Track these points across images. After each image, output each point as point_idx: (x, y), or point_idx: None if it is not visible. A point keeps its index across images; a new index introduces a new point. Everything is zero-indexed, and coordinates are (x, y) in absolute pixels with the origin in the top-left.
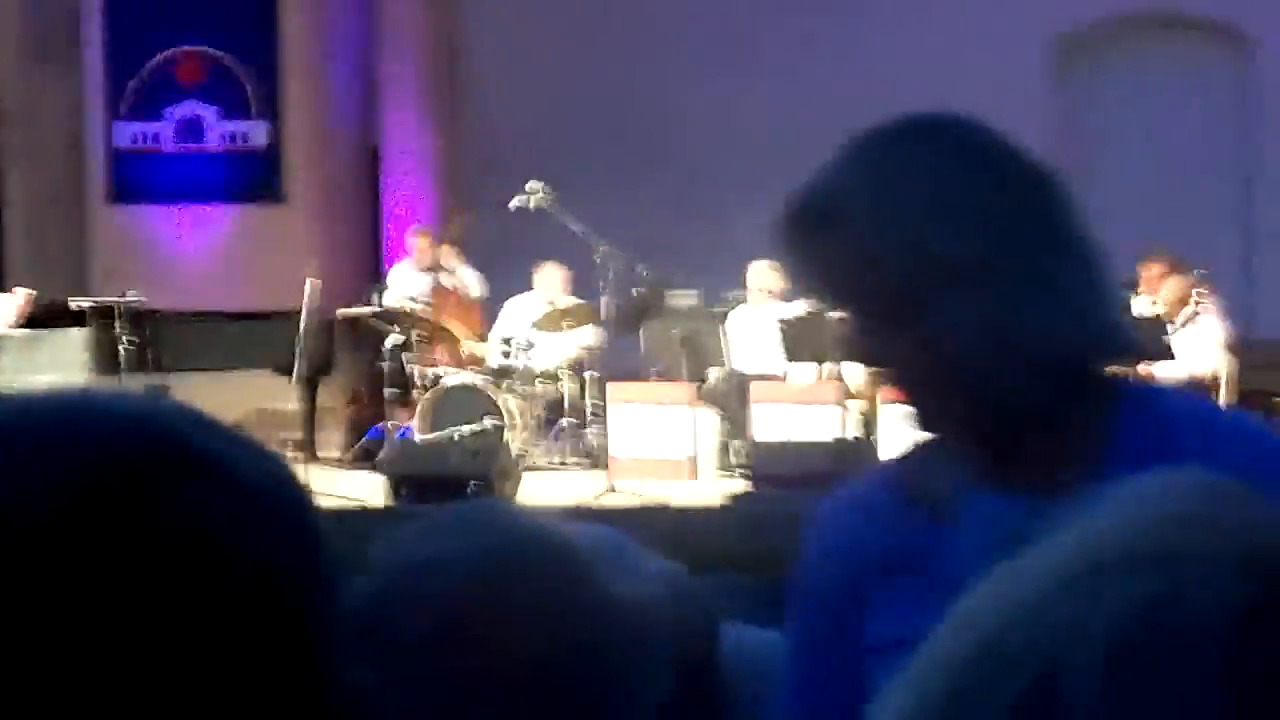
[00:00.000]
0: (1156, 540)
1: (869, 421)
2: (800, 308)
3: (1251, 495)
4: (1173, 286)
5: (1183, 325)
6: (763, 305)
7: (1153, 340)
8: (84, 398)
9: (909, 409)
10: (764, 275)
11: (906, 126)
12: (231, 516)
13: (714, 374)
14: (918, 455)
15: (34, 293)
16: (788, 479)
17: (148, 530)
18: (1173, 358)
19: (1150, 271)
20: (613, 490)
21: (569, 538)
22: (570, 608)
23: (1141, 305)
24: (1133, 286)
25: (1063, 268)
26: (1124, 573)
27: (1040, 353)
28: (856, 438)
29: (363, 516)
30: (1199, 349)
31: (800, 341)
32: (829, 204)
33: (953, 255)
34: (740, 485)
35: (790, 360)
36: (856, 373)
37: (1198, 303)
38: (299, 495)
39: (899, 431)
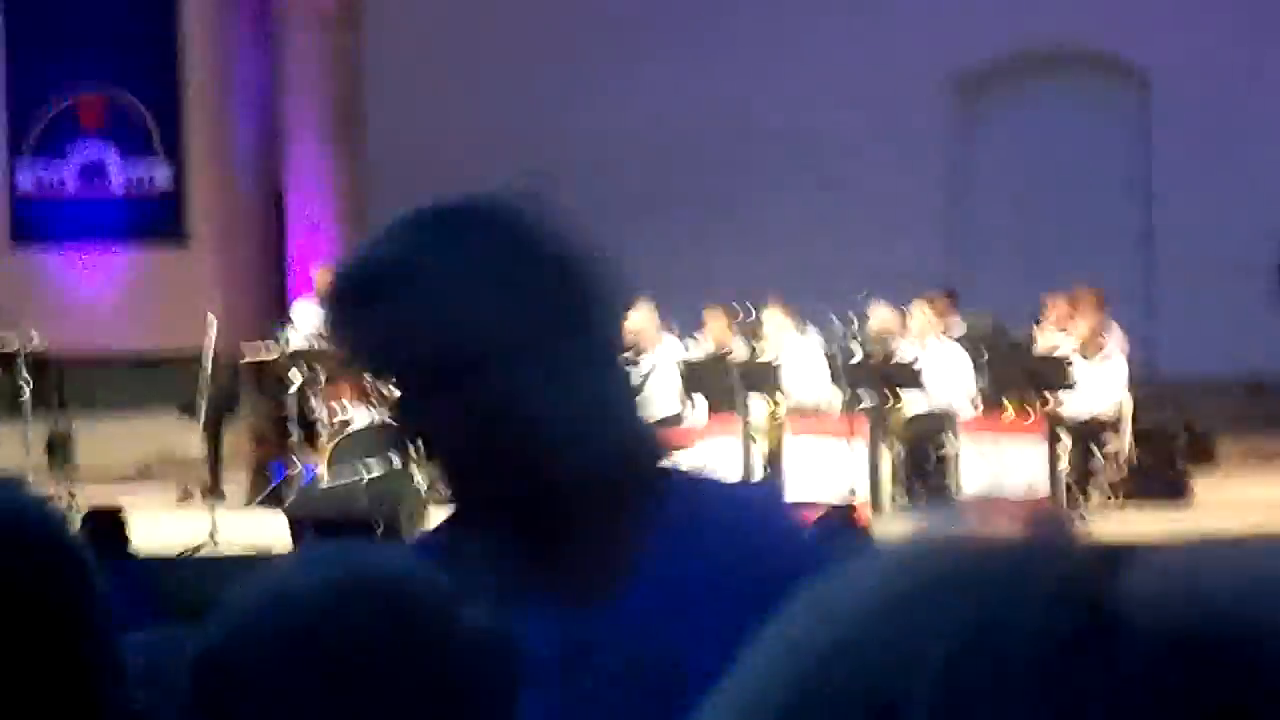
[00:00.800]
0: (975, 566)
1: (774, 457)
2: (702, 349)
3: (1061, 522)
4: (1089, 322)
5: (1098, 361)
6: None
7: (1057, 376)
8: None
9: (447, 491)
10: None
11: (460, 205)
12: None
13: None
14: (448, 540)
15: None
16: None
17: None
18: (1070, 392)
19: (1063, 306)
20: None
21: (424, 572)
22: (415, 640)
23: (1050, 339)
24: (1037, 321)
25: (594, 363)
26: (952, 597)
27: (569, 446)
28: (765, 471)
29: (267, 561)
30: (1106, 386)
31: (699, 379)
32: (375, 275)
33: (489, 338)
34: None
35: (689, 396)
36: (760, 412)
37: (1107, 339)
38: (46, 521)
39: (803, 467)
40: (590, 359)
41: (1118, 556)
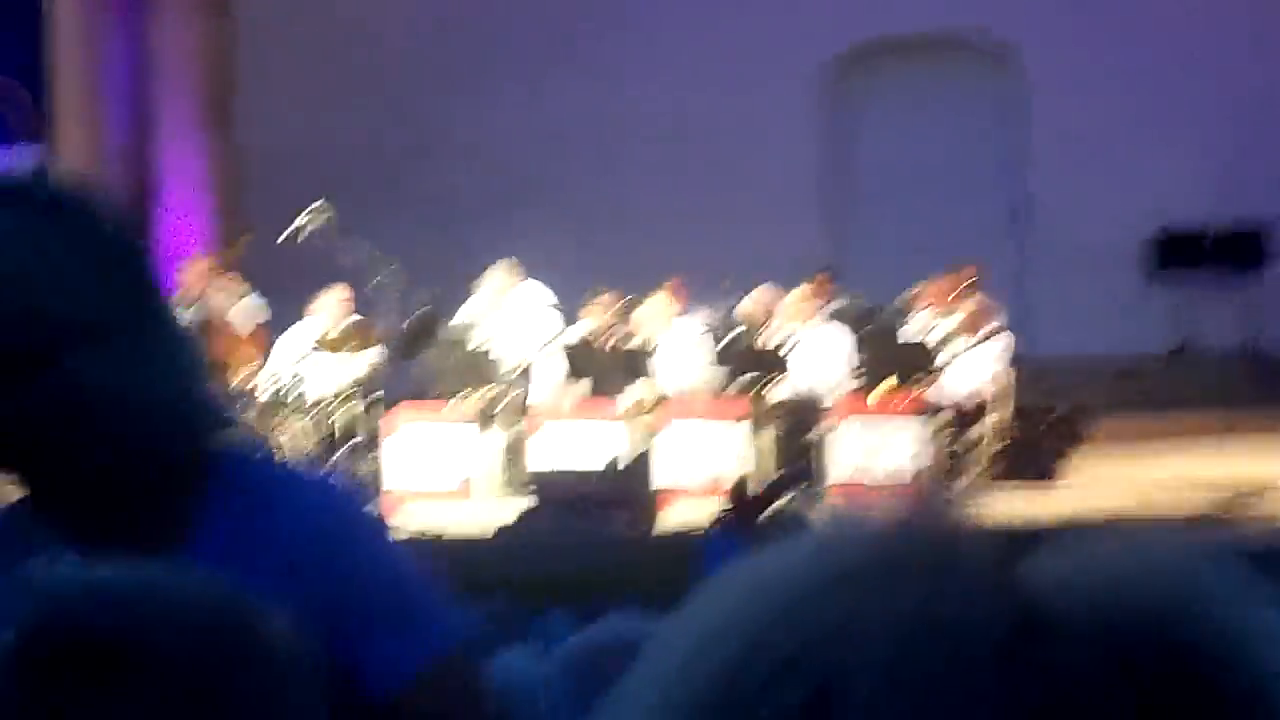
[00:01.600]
0: (902, 551)
1: (649, 440)
2: (580, 329)
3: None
4: (968, 305)
5: (975, 344)
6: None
7: (921, 360)
8: None
9: (11, 474)
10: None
11: (11, 191)
12: None
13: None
14: (12, 519)
15: None
16: (568, 502)
17: None
18: (944, 373)
19: (939, 288)
20: (389, 515)
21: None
22: (221, 641)
23: (924, 321)
24: (909, 304)
25: (160, 339)
26: (891, 580)
27: (133, 424)
28: (633, 461)
29: None
30: (984, 366)
31: (580, 364)
32: None
33: (56, 327)
34: (518, 507)
35: (570, 381)
36: (638, 392)
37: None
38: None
39: (678, 449)
40: (154, 344)
41: (1023, 541)
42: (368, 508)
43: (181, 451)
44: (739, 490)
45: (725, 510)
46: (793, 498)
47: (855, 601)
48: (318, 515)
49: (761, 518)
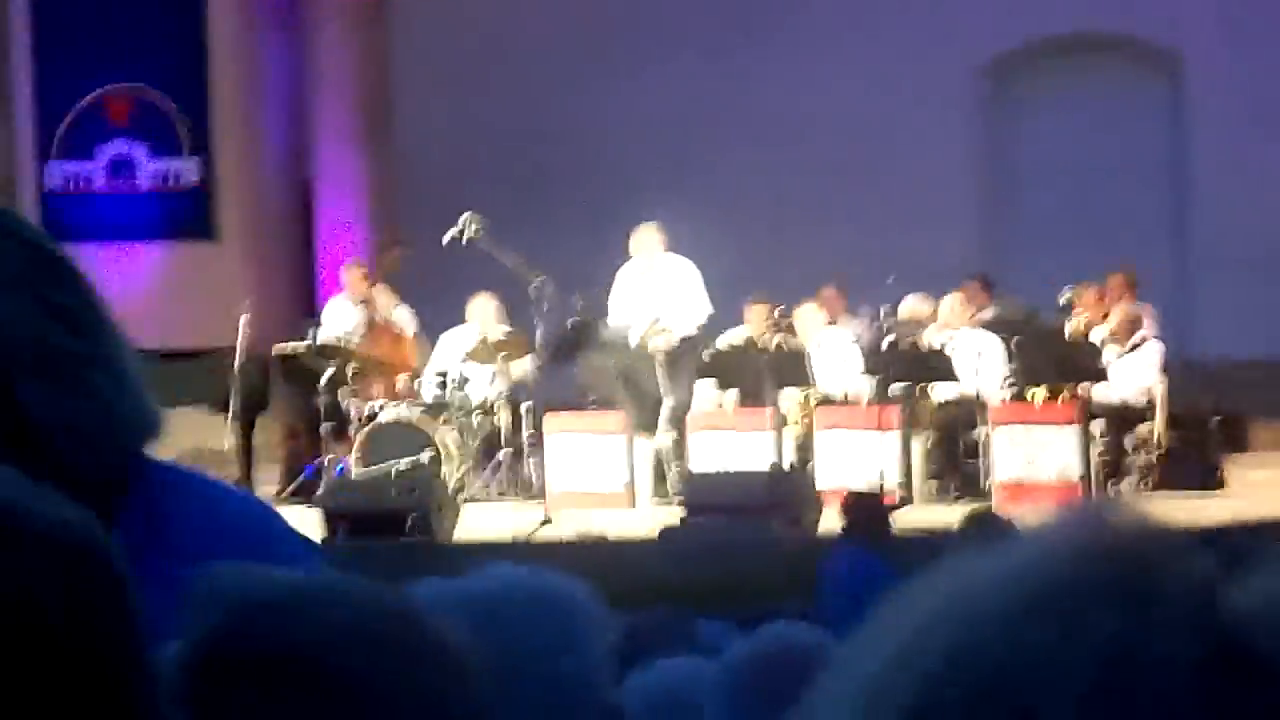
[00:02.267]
0: (1106, 573)
1: (805, 449)
2: (734, 336)
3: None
4: (1122, 309)
5: (1129, 349)
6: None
7: (1087, 362)
8: None
9: None
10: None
11: None
12: (43, 589)
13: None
14: None
15: None
16: (727, 507)
17: None
18: (1103, 379)
19: (1095, 294)
20: (548, 522)
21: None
22: (394, 650)
23: (1082, 325)
24: (1068, 308)
25: (105, 359)
26: (1095, 607)
27: (80, 449)
28: (792, 465)
29: None
30: (1139, 373)
31: (732, 371)
32: None
33: (7, 350)
34: (675, 515)
35: (723, 389)
36: (792, 401)
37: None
38: (106, 555)
39: (833, 458)
40: (99, 365)
41: (1212, 559)
42: (287, 523)
43: (115, 464)
44: (858, 501)
45: (847, 521)
46: (951, 507)
47: (1053, 629)
48: (237, 520)
49: (883, 528)
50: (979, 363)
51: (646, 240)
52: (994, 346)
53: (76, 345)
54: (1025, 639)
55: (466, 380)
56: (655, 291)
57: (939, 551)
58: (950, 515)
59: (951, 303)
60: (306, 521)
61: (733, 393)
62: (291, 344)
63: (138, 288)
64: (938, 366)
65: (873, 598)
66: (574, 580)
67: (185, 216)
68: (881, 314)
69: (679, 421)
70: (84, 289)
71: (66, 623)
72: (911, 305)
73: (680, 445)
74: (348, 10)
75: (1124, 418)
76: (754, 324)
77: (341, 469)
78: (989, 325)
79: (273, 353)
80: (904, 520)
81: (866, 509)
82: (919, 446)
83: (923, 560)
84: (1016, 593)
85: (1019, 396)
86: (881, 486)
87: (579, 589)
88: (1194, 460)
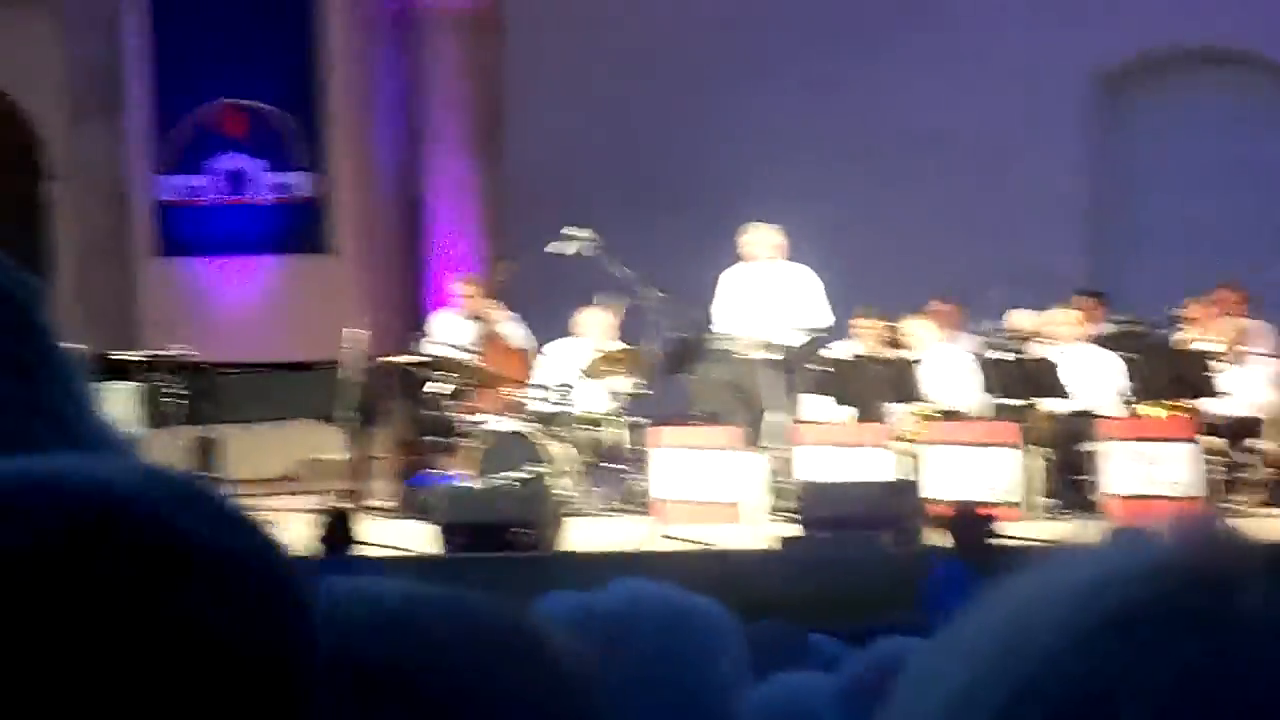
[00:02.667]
0: (1188, 593)
1: (917, 464)
2: (843, 349)
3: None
4: (1231, 324)
5: (1240, 364)
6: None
7: (1201, 377)
8: (72, 469)
9: None
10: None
11: None
12: (222, 615)
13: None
14: None
15: (82, 348)
16: (837, 521)
17: (137, 630)
18: (1215, 394)
19: (1206, 307)
20: (663, 535)
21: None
22: (509, 661)
23: (1194, 340)
24: (1180, 321)
25: (60, 380)
26: (1175, 627)
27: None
28: (903, 480)
29: (413, 566)
30: (1250, 388)
31: (843, 384)
32: None
33: None
34: (788, 529)
35: (834, 403)
36: (904, 416)
37: (1250, 340)
38: (290, 581)
39: (944, 472)
40: (54, 388)
41: None
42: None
43: None
44: (960, 516)
45: (950, 536)
46: (1062, 522)
47: (1131, 651)
48: None
49: (985, 544)
50: (1092, 377)
51: (762, 242)
52: (1108, 361)
53: (16, 389)
54: (1104, 658)
55: (576, 392)
56: (768, 298)
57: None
58: (1062, 530)
59: (1065, 316)
60: (418, 535)
61: (842, 406)
62: (403, 356)
63: (251, 301)
64: (1050, 381)
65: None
66: (703, 596)
67: (299, 230)
68: (992, 328)
69: (787, 434)
70: (33, 312)
71: (249, 657)
72: (1023, 319)
73: (788, 459)
74: (460, 24)
75: (1236, 433)
76: (863, 337)
77: (453, 481)
78: (1102, 340)
79: (384, 365)
80: (1015, 534)
81: (968, 524)
82: (1030, 461)
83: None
84: (1087, 615)
85: (1132, 411)
86: (987, 502)
87: (710, 604)
88: None
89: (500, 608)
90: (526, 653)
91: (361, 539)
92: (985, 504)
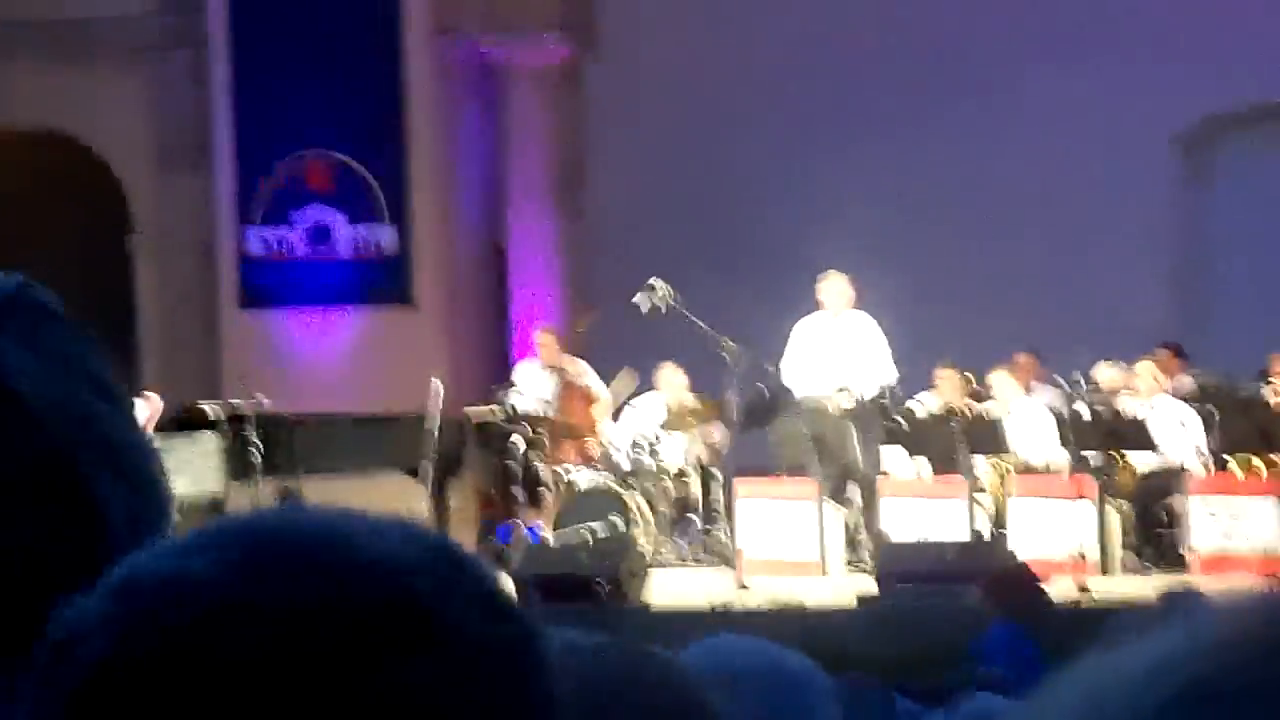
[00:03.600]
0: (1272, 665)
1: (999, 518)
2: (926, 402)
3: None
4: None
5: None
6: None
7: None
8: (336, 529)
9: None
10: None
11: None
12: (451, 692)
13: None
14: None
15: (160, 402)
16: (919, 576)
17: (363, 699)
18: None
19: None
20: (744, 588)
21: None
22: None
23: (1275, 396)
24: (1263, 378)
25: (140, 430)
26: (1256, 699)
27: (137, 536)
28: (990, 533)
29: None
30: None
31: (924, 438)
32: None
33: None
34: (870, 583)
35: (913, 456)
36: (985, 469)
37: None
38: (532, 666)
39: (1026, 527)
40: (138, 444)
41: None
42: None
43: None
44: (1014, 576)
45: (992, 602)
46: (1147, 578)
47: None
48: None
49: (1037, 604)
50: (1178, 432)
51: (836, 290)
52: (1192, 416)
53: (127, 428)
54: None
55: (659, 445)
56: (839, 348)
57: (1131, 626)
58: (1146, 586)
59: (1147, 371)
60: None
61: (924, 459)
62: (485, 408)
63: (335, 353)
64: (1134, 435)
65: (1024, 676)
66: (798, 653)
67: (382, 282)
68: (1075, 382)
69: (869, 487)
70: (110, 363)
71: None
72: (1105, 373)
73: (871, 512)
74: (542, 78)
75: None
76: (946, 390)
77: (534, 533)
78: (1186, 394)
79: (466, 417)
80: (1096, 589)
81: (1014, 586)
82: (1112, 516)
83: (1115, 632)
84: (1167, 686)
85: (1220, 466)
86: (1081, 556)
87: (803, 659)
88: None
89: (654, 657)
90: (681, 704)
91: None
92: (1067, 559)
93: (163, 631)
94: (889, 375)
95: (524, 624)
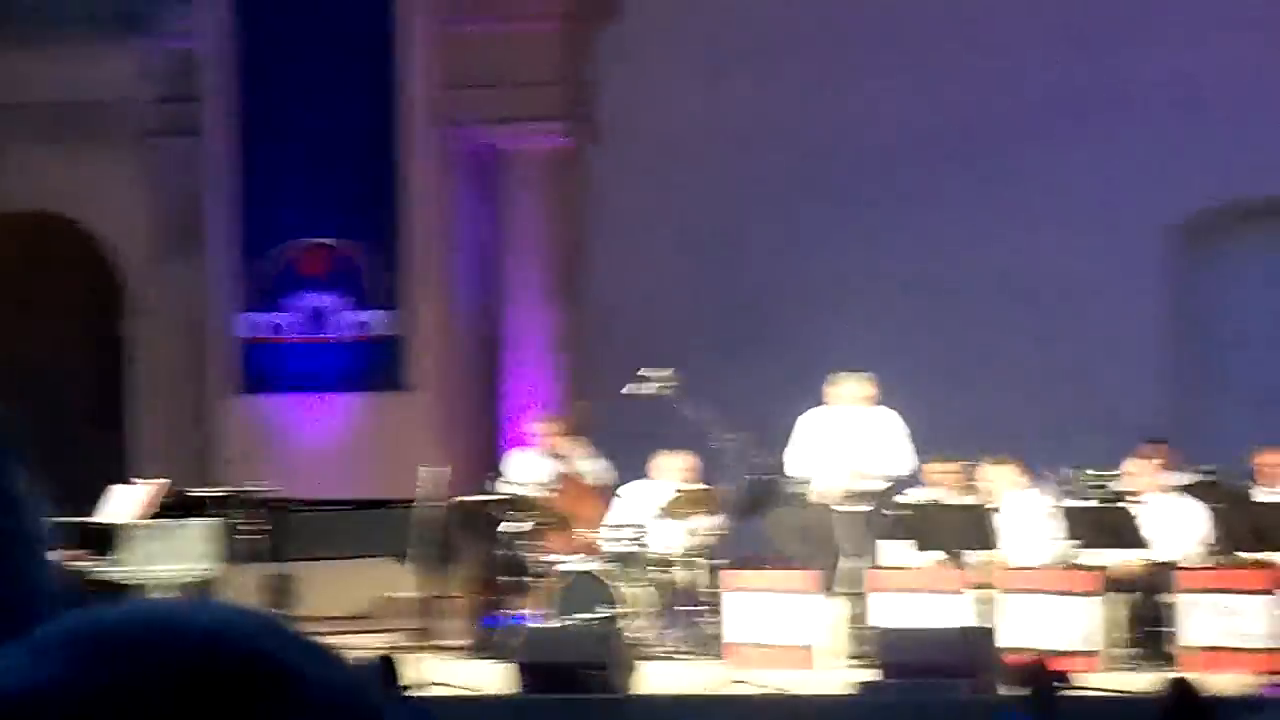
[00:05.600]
0: None
1: (991, 611)
2: (918, 494)
3: None
4: None
5: None
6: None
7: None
8: (176, 611)
9: None
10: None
11: None
12: None
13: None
14: None
15: (167, 482)
16: (913, 668)
17: None
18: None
19: (1269, 461)
20: (737, 682)
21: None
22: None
23: (1265, 494)
24: (1258, 472)
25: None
26: None
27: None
28: (980, 628)
29: (486, 706)
30: None
31: (920, 529)
32: None
33: None
34: (863, 675)
35: (908, 548)
36: (980, 561)
37: None
38: (376, 707)
39: (1021, 620)
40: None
41: None
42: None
43: None
44: (1032, 668)
45: (1021, 686)
46: (1139, 674)
47: None
48: None
49: (1055, 698)
50: (1172, 527)
51: (853, 391)
52: (1190, 510)
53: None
54: None
55: (651, 533)
56: (849, 442)
57: (1118, 717)
58: (1138, 681)
59: (1140, 465)
60: (491, 674)
61: (920, 551)
62: (479, 495)
63: (330, 438)
64: (1129, 530)
65: None
66: None
67: (378, 367)
68: (1064, 477)
69: (863, 579)
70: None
71: None
72: (1105, 466)
73: (864, 604)
74: (540, 165)
75: None
76: (939, 484)
77: (526, 620)
78: (1181, 489)
79: (460, 504)
80: (1092, 685)
81: (1040, 677)
82: (1109, 611)
83: None
84: None
85: (1217, 562)
86: (1063, 651)
87: None
88: None
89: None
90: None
91: (411, 682)
92: (1061, 653)
93: None
94: (904, 468)
95: (356, 671)
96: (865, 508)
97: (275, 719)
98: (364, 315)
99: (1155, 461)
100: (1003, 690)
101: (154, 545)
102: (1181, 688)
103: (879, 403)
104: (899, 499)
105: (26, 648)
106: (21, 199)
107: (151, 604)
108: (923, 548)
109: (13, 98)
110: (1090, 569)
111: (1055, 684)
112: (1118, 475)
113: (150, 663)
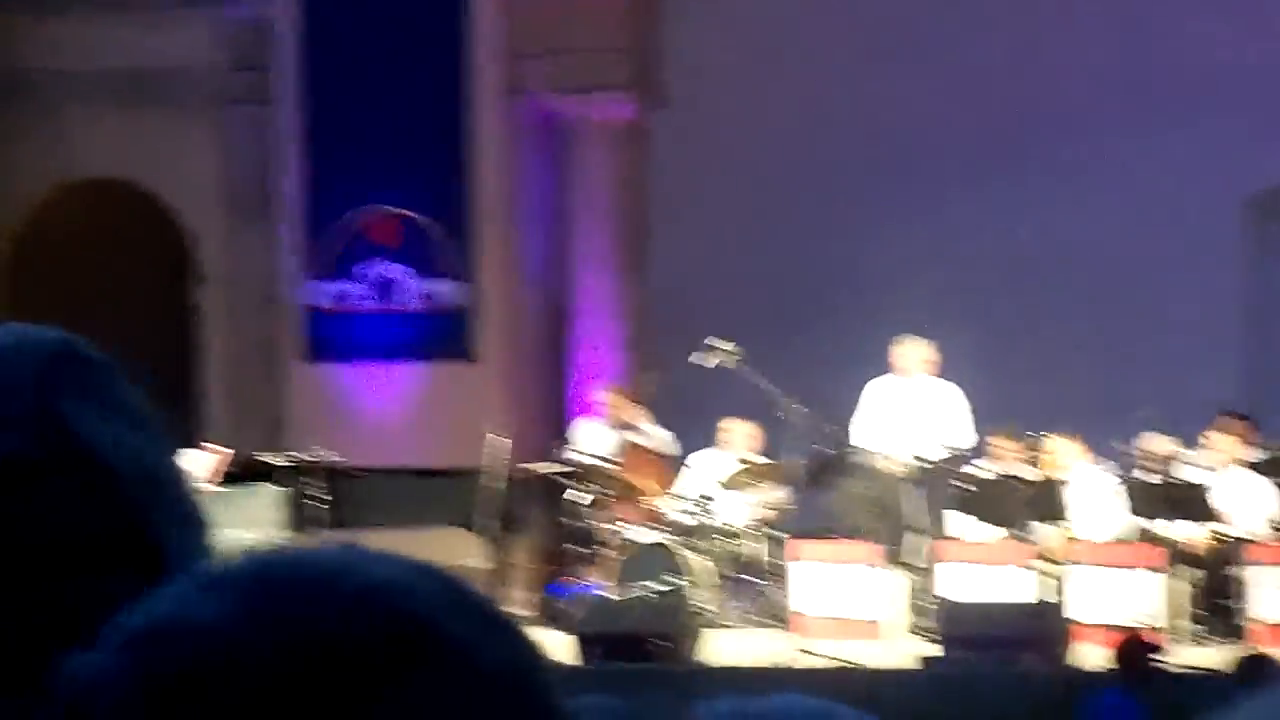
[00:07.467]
0: None
1: (1058, 584)
2: (985, 467)
3: None
4: None
5: None
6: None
7: None
8: (354, 563)
9: None
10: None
11: None
12: (455, 706)
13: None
14: None
15: (231, 452)
16: (980, 641)
17: (366, 714)
18: None
19: None
20: (803, 651)
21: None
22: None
23: None
24: None
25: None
26: None
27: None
28: (1046, 601)
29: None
30: None
31: (987, 502)
32: None
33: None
34: (928, 647)
35: (976, 520)
36: (1046, 534)
37: None
38: (538, 686)
39: (1088, 594)
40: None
41: None
42: None
43: None
44: (1130, 645)
45: (1118, 664)
46: (1208, 648)
47: None
48: None
49: (1148, 671)
50: (1242, 501)
51: (914, 356)
52: (1259, 486)
53: (178, 472)
54: None
55: (717, 504)
56: (914, 413)
57: (1201, 693)
58: (1208, 656)
59: (1213, 440)
60: (556, 644)
61: (986, 524)
62: (545, 465)
63: (397, 407)
64: (1199, 504)
65: None
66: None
67: (445, 337)
68: (1124, 452)
69: (929, 552)
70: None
71: None
72: (1156, 442)
73: (929, 576)
74: (607, 136)
75: None
76: (1001, 457)
77: (592, 590)
78: (1254, 465)
79: (526, 473)
80: (1162, 660)
81: (1135, 651)
82: (1176, 585)
83: (1184, 701)
84: None
85: None
86: (1140, 625)
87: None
88: None
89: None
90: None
91: None
92: (1127, 629)
93: (177, 680)
94: (965, 440)
95: (522, 639)
96: (931, 479)
97: (432, 688)
98: (432, 285)
99: (1234, 436)
100: (1080, 663)
101: (219, 511)
102: (1256, 661)
103: (942, 374)
104: (966, 470)
105: (195, 583)
106: (94, 166)
107: (311, 552)
108: (990, 520)
109: (85, 64)
110: (1158, 542)
111: (1152, 658)
112: (1190, 451)
113: (298, 615)
